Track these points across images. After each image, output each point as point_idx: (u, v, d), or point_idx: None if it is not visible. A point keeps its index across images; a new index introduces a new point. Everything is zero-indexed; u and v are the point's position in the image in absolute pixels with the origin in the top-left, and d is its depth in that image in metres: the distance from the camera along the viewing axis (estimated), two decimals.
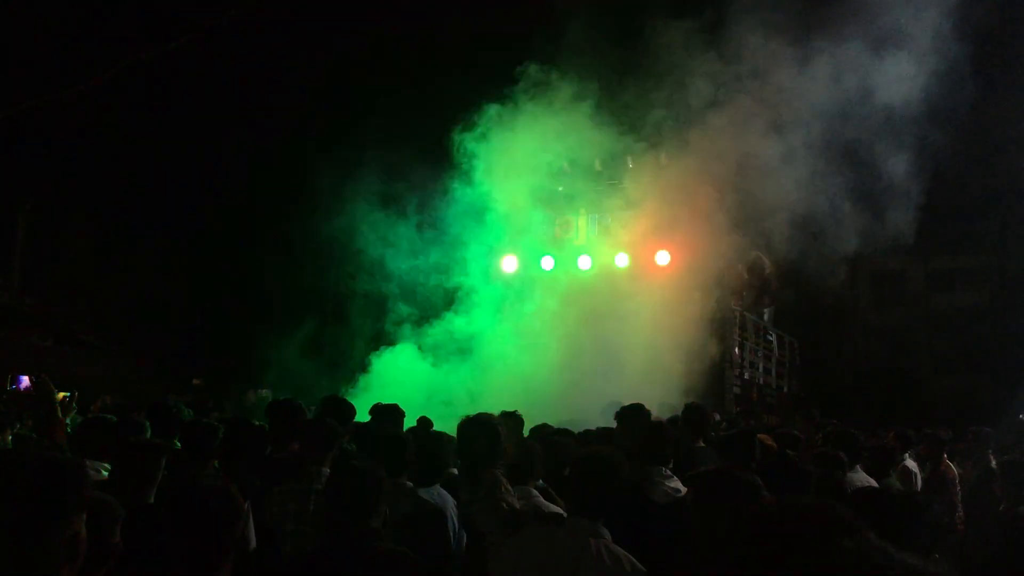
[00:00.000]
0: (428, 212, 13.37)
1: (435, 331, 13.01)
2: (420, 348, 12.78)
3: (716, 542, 1.13)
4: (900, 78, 10.76)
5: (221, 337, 18.50)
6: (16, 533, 1.62)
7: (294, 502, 3.88)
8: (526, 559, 3.06)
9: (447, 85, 14.12)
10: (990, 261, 25.98)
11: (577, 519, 3.08)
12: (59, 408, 5.56)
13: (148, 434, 4.52)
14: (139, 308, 19.84)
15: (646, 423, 5.04)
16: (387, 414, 5.66)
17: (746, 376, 14.30)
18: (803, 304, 17.64)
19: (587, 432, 5.65)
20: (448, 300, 13.46)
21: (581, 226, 13.93)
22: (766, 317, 16.47)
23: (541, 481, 4.48)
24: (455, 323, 13.02)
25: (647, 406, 5.60)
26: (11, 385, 12.00)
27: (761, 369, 15.37)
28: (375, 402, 6.30)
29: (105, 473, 3.87)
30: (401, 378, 11.91)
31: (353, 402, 5.51)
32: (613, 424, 5.61)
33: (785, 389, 16.60)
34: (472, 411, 4.67)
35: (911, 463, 6.96)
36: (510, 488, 4.11)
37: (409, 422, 6.00)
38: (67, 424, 5.80)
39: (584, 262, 13.42)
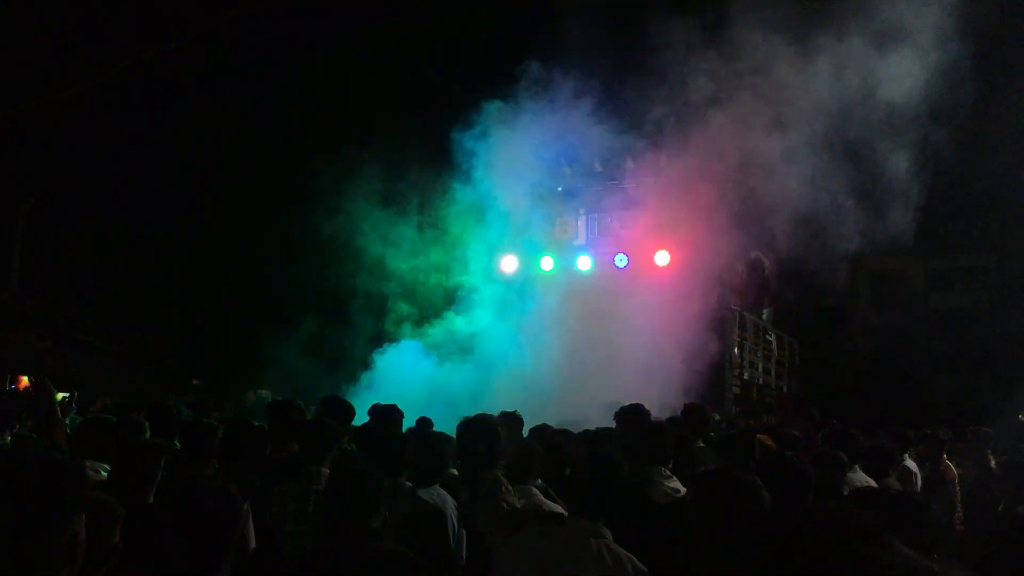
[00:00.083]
0: (428, 211, 13.39)
1: (435, 331, 13.02)
2: (423, 345, 12.81)
3: (737, 546, 1.12)
4: (899, 77, 10.76)
5: (221, 337, 18.50)
6: (16, 533, 1.62)
7: (294, 502, 3.89)
8: (527, 559, 3.07)
9: (447, 84, 14.14)
10: (990, 261, 25.98)
11: (578, 519, 3.08)
12: (58, 408, 5.56)
13: (148, 434, 4.53)
14: (139, 308, 19.84)
15: (646, 423, 5.04)
16: (386, 414, 5.66)
17: (745, 376, 14.31)
18: (803, 304, 17.65)
19: (587, 432, 5.65)
20: (448, 299, 13.48)
21: (581, 226, 13.93)
22: (765, 317, 16.47)
23: (540, 481, 4.48)
24: (455, 323, 13.04)
25: (647, 406, 5.61)
26: (10, 385, 12.00)
27: (760, 369, 15.38)
28: (377, 400, 6.30)
29: (105, 474, 3.87)
30: (404, 376, 11.93)
31: (355, 400, 5.52)
32: (613, 424, 5.62)
33: (784, 389, 16.60)
34: (472, 411, 4.68)
35: (911, 463, 6.96)
36: (510, 488, 4.12)
37: (409, 422, 6.00)
38: (67, 424, 5.80)
39: (584, 262, 13.42)
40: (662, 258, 12.67)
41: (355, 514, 2.98)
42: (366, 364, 12.80)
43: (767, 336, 16.14)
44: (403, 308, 13.52)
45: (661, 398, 9.07)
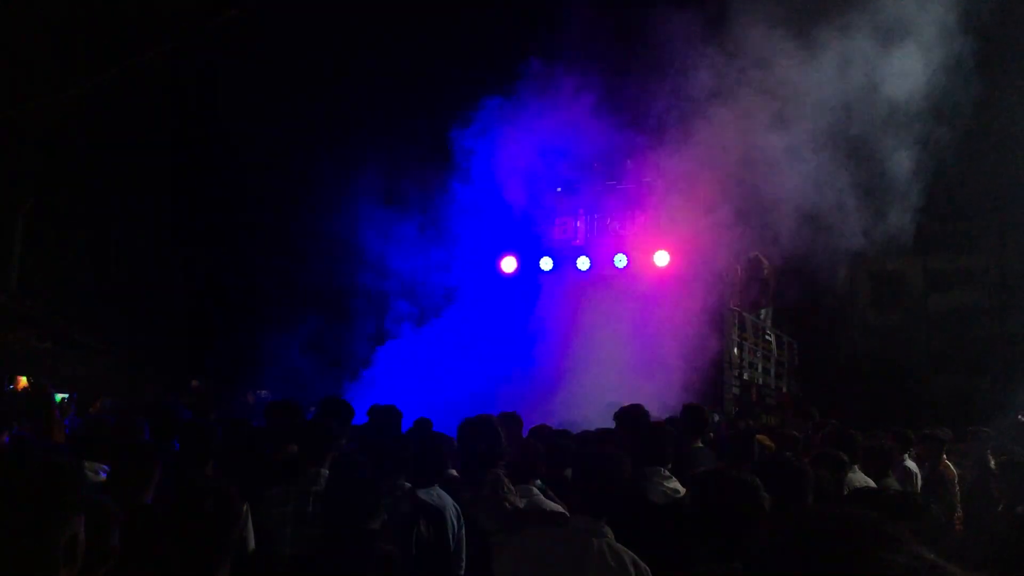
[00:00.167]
0: (429, 210, 13.40)
1: (436, 330, 13.03)
2: (424, 343, 12.82)
3: (755, 551, 1.12)
4: (899, 77, 10.77)
5: (221, 337, 18.49)
6: (15, 535, 1.62)
7: (293, 503, 3.88)
8: (529, 558, 3.07)
9: (448, 82, 14.15)
10: (989, 261, 25.99)
11: (579, 518, 3.09)
12: (57, 409, 5.56)
13: (147, 435, 4.53)
14: (138, 309, 19.83)
15: (645, 423, 5.04)
16: (385, 415, 5.65)
17: (745, 376, 14.30)
18: (802, 304, 17.65)
19: (586, 433, 5.65)
20: (448, 298, 13.48)
21: (580, 226, 13.93)
22: (764, 316, 16.48)
23: (540, 481, 4.48)
24: (455, 322, 13.05)
25: (646, 406, 5.61)
26: (9, 386, 11.98)
27: (760, 369, 15.37)
28: (379, 398, 6.30)
29: (104, 474, 3.87)
30: (405, 374, 11.95)
31: (357, 398, 5.52)
32: (612, 425, 5.62)
33: (784, 389, 16.59)
34: (472, 411, 4.69)
35: (911, 463, 6.96)
36: (512, 487, 4.12)
37: (409, 422, 6.00)
38: (65, 425, 5.80)
39: (583, 262, 13.43)
40: (661, 258, 12.68)
41: (354, 516, 2.98)
42: (367, 363, 12.81)
43: (766, 336, 16.14)
44: (403, 306, 13.53)
45: (660, 398, 9.07)
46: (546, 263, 13.61)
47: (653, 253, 12.75)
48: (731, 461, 4.34)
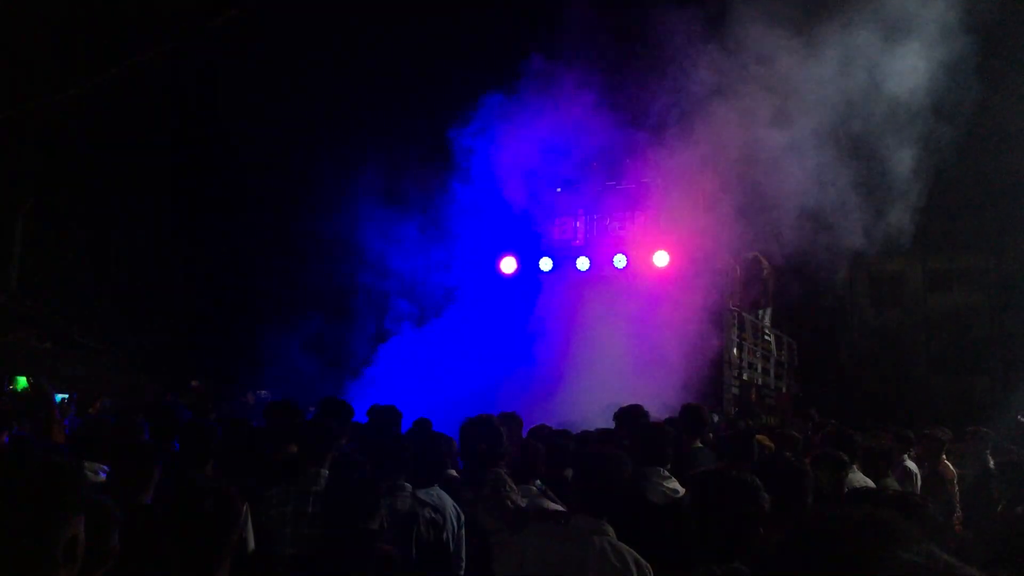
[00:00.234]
0: (429, 209, 13.40)
1: (436, 329, 13.04)
2: (425, 342, 12.83)
3: (766, 552, 1.12)
4: (898, 76, 10.77)
5: (221, 337, 18.49)
6: (14, 535, 1.62)
7: (293, 504, 3.88)
8: (531, 557, 3.08)
9: (449, 81, 14.15)
10: (988, 261, 26.00)
11: (581, 517, 3.09)
12: (57, 409, 5.56)
13: (147, 435, 4.53)
14: (138, 309, 19.83)
15: (644, 424, 5.05)
16: (385, 415, 5.66)
17: (744, 376, 14.29)
18: (802, 304, 17.65)
19: (585, 433, 5.66)
20: (448, 298, 13.49)
21: (580, 226, 13.93)
22: (763, 317, 16.48)
23: (539, 482, 4.49)
24: (455, 321, 13.05)
25: (645, 407, 5.61)
26: (8, 386, 11.99)
27: (760, 369, 15.36)
28: (382, 393, 6.31)
29: (103, 475, 3.87)
30: (406, 373, 11.95)
31: (358, 397, 5.52)
32: (612, 425, 5.62)
33: (783, 389, 16.59)
34: (473, 411, 4.69)
35: (911, 463, 6.96)
36: (514, 486, 4.13)
37: (409, 422, 6.00)
38: (65, 425, 5.80)
39: (582, 262, 13.43)
40: (661, 259, 12.68)
41: (354, 516, 2.98)
42: (367, 362, 12.81)
43: (766, 336, 16.13)
44: (403, 306, 13.54)
45: (660, 398, 9.07)
46: (546, 263, 13.61)
47: (653, 253, 12.75)
48: (731, 461, 4.34)
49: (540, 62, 12.49)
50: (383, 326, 13.65)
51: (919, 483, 6.78)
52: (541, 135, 12.58)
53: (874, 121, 11.07)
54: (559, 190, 13.72)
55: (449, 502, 3.95)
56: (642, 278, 12.66)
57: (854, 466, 5.11)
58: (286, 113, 17.40)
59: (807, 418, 8.81)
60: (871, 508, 1.12)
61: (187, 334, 19.71)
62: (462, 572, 3.91)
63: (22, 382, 11.40)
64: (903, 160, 11.04)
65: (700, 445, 5.34)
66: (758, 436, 5.62)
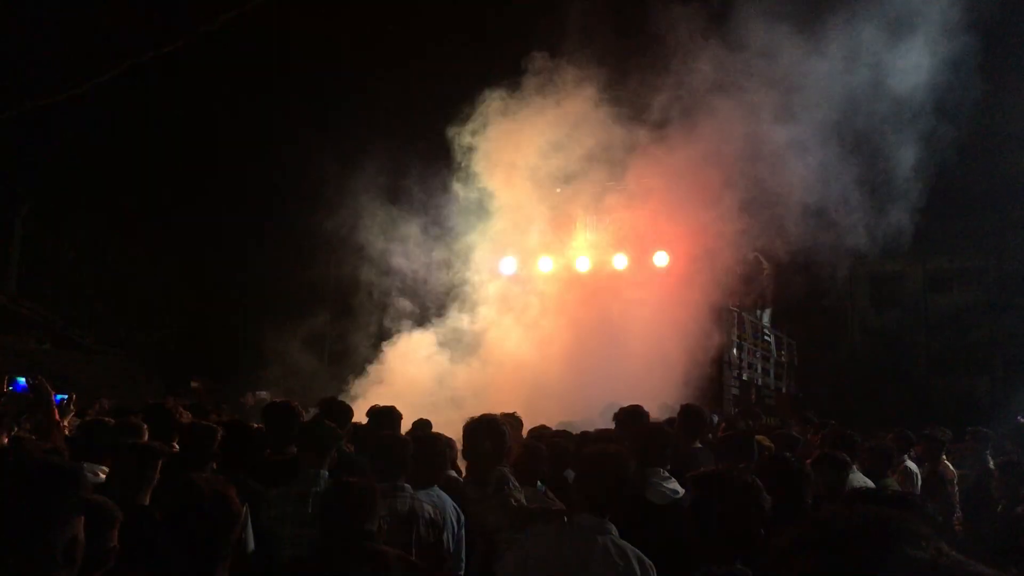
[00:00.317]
0: (431, 209, 13.38)
1: (437, 329, 13.02)
2: (427, 341, 12.80)
3: (778, 550, 1.12)
4: (897, 76, 10.77)
5: (221, 338, 18.51)
6: (15, 536, 1.62)
7: (292, 505, 3.88)
8: (534, 557, 3.08)
9: (449, 80, 14.15)
10: (988, 262, 25.98)
11: (584, 516, 3.09)
12: (57, 410, 5.55)
13: (146, 436, 4.52)
14: (137, 310, 19.85)
15: (644, 424, 5.05)
16: (385, 416, 5.65)
17: (744, 377, 14.29)
18: (802, 304, 17.64)
19: (586, 433, 5.66)
20: (450, 297, 13.47)
21: (579, 227, 13.92)
22: (763, 317, 16.47)
23: (540, 483, 4.49)
24: (457, 321, 13.03)
25: (645, 407, 5.61)
26: (8, 387, 11.98)
27: (759, 370, 15.36)
28: (386, 391, 6.29)
29: (103, 476, 3.87)
30: (407, 372, 11.93)
31: (361, 395, 5.51)
32: (612, 425, 5.62)
33: (783, 390, 16.58)
34: (474, 411, 4.69)
35: (911, 464, 6.96)
36: (518, 485, 4.13)
37: (408, 424, 5.99)
38: (65, 426, 5.80)
39: (582, 263, 13.42)
40: (661, 259, 12.68)
41: (352, 517, 2.98)
42: (370, 360, 12.79)
43: (766, 336, 16.13)
44: (405, 306, 13.52)
45: (660, 399, 9.07)
46: (544, 264, 13.60)
47: (653, 253, 12.75)
48: (731, 461, 4.33)
49: (543, 60, 12.46)
50: (385, 325, 13.63)
51: (919, 483, 6.78)
52: (542, 135, 12.55)
53: (874, 121, 11.07)
54: (559, 190, 13.71)
55: (449, 503, 3.94)
56: (642, 278, 12.65)
57: (854, 466, 5.12)
58: (286, 112, 17.42)
59: (806, 421, 8.80)
60: (881, 507, 1.12)
61: (187, 334, 19.71)
62: (462, 573, 3.91)
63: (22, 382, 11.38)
64: (903, 160, 11.03)
65: (700, 446, 5.34)
66: (758, 436, 5.61)
